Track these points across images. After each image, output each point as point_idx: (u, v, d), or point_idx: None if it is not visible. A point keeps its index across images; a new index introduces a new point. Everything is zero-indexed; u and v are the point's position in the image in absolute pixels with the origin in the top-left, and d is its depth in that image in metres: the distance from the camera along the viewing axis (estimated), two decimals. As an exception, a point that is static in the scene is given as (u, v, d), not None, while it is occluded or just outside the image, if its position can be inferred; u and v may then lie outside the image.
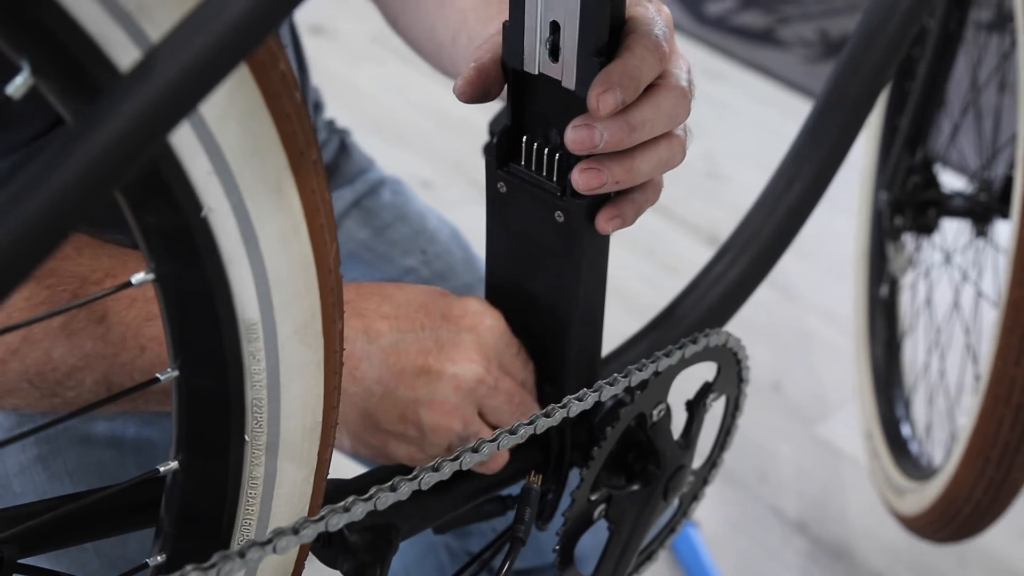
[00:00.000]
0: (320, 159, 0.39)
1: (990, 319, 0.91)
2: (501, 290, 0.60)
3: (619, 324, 1.43)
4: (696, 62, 2.13)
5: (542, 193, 0.53)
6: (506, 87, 0.53)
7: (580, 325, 0.59)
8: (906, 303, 1.21)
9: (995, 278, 1.05)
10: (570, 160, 0.52)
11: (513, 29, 0.51)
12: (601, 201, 0.54)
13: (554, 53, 0.50)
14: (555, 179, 0.53)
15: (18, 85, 0.33)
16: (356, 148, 0.88)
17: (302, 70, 0.83)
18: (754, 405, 1.47)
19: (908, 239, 1.11)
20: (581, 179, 0.50)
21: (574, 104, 0.51)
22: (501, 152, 0.54)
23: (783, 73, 2.13)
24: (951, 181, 1.31)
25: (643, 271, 1.66)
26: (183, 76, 0.31)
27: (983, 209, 1.04)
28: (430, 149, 1.92)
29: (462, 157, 1.87)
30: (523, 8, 0.50)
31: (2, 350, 0.51)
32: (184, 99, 0.32)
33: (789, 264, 1.62)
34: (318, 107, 0.87)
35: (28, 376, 0.51)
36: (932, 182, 1.06)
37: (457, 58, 0.67)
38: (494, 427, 0.58)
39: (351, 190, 0.85)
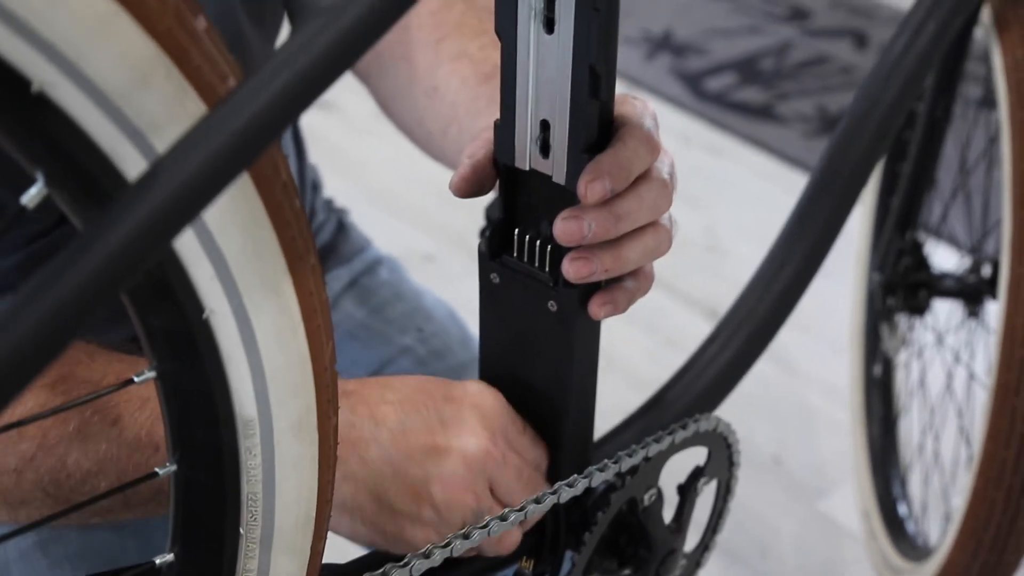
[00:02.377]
0: (318, 262, 0.41)
1: (982, 400, 0.92)
2: (494, 377, 0.61)
3: (619, 398, 1.45)
4: (696, 137, 2.19)
5: (535, 284, 0.55)
6: (498, 181, 0.55)
7: (573, 411, 0.61)
8: (901, 382, 1.22)
9: (988, 358, 1.06)
10: (561, 251, 0.54)
11: (504, 127, 0.53)
12: (592, 290, 0.55)
13: (544, 150, 0.52)
14: (547, 270, 0.55)
15: (32, 195, 0.35)
16: (354, 228, 0.90)
17: (299, 150, 0.85)
18: (755, 480, 1.48)
19: (901, 319, 1.12)
20: (572, 268, 0.52)
21: (565, 198, 0.53)
22: (494, 244, 0.56)
23: (782, 148, 2.16)
24: (946, 255, 1.33)
25: (644, 345, 1.67)
26: (187, 186, 0.33)
27: (973, 290, 1.05)
28: (432, 223, 1.94)
29: (464, 230, 1.90)
30: (514, 107, 0.52)
31: (17, 459, 0.52)
32: (187, 208, 0.33)
33: (789, 338, 1.63)
34: (316, 187, 0.89)
35: (43, 485, 0.52)
36: (923, 263, 1.08)
37: (448, 149, 0.69)
38: (505, 504, 0.58)
39: (348, 269, 0.87)
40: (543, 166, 0.53)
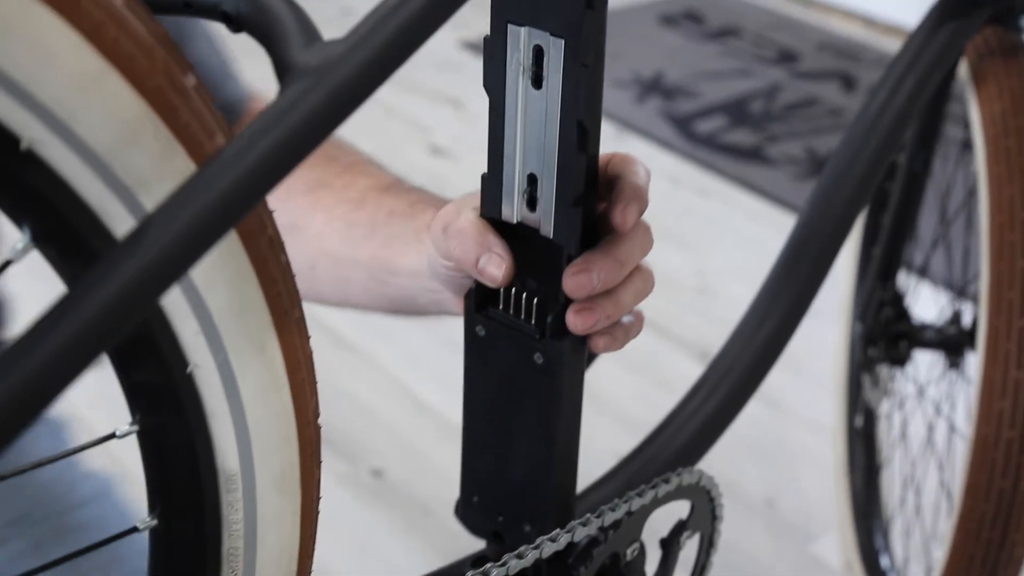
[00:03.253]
0: (303, 316, 0.41)
1: (963, 453, 0.93)
2: (478, 432, 0.62)
3: (611, 440, 1.45)
4: (686, 179, 2.21)
5: (520, 336, 0.56)
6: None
7: (557, 464, 0.61)
8: (883, 433, 1.23)
9: (968, 410, 1.07)
10: (547, 304, 0.55)
11: (492, 180, 0.54)
12: (579, 342, 0.56)
13: (532, 203, 0.53)
14: (533, 322, 0.56)
15: (19, 251, 0.35)
16: None
17: None
18: (746, 522, 1.48)
19: (883, 370, 1.13)
20: (578, 320, 0.53)
21: (552, 251, 0.54)
22: (480, 297, 0.57)
23: (772, 190, 2.18)
24: (929, 298, 1.34)
25: (635, 387, 1.68)
26: (174, 245, 0.33)
27: (954, 341, 1.06)
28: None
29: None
30: (502, 161, 0.53)
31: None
32: (175, 267, 0.34)
33: (779, 378, 1.64)
34: None
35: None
36: (904, 315, 1.09)
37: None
38: None
39: None
40: (530, 219, 0.54)
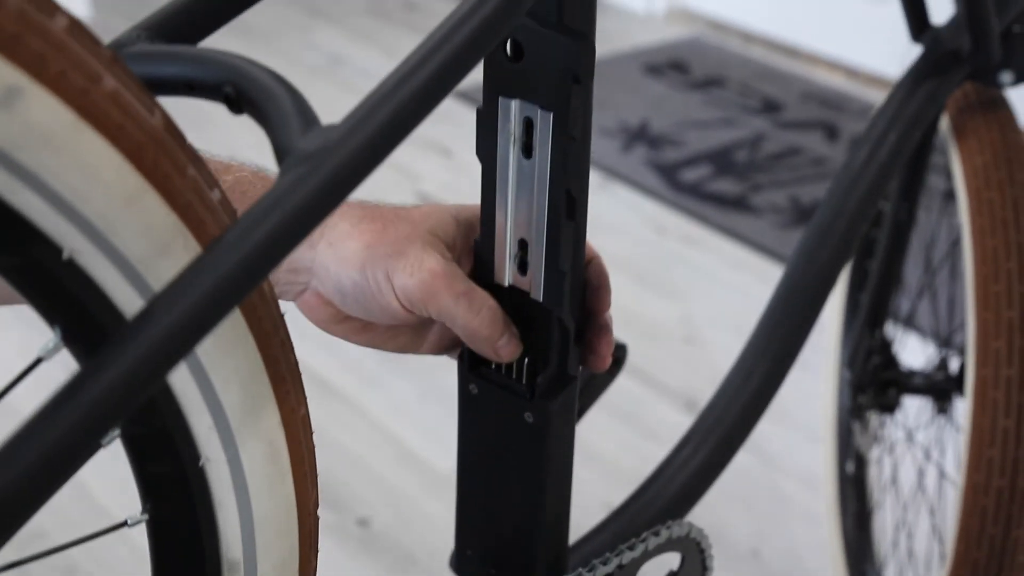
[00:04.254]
0: (308, 412, 0.43)
1: (954, 498, 0.93)
2: (472, 486, 0.63)
3: (599, 491, 1.45)
4: (672, 228, 2.23)
5: (512, 396, 0.57)
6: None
7: (548, 518, 0.62)
8: (874, 478, 1.23)
9: (958, 455, 1.08)
10: (538, 364, 0.56)
11: (484, 244, 0.55)
12: (568, 403, 0.57)
13: (523, 267, 0.55)
14: (524, 382, 0.57)
15: (50, 349, 0.37)
16: None
17: None
18: (735, 572, 1.48)
19: (872, 416, 1.14)
20: (604, 357, 0.59)
21: (542, 314, 0.55)
22: (472, 356, 0.58)
23: (756, 238, 2.20)
24: (916, 345, 1.35)
25: (622, 437, 1.68)
26: (177, 323, 0.34)
27: (942, 387, 1.07)
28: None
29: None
30: (494, 226, 0.54)
31: None
32: (179, 343, 0.34)
33: (766, 428, 1.65)
34: None
35: None
36: (892, 362, 1.10)
37: None
38: None
39: None
40: (521, 283, 0.55)
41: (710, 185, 2.38)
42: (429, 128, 2.64)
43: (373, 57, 2.95)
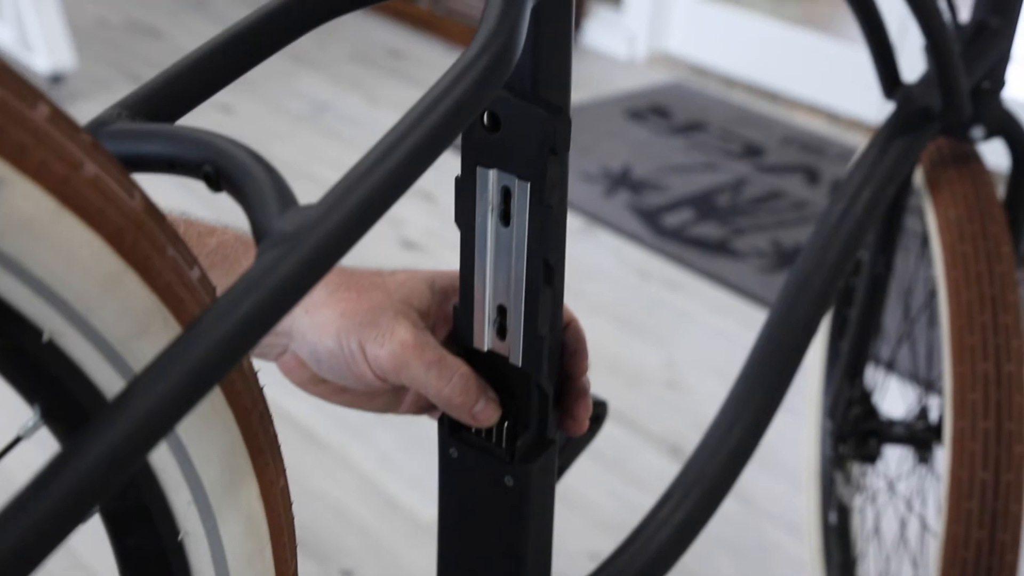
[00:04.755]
0: (287, 484, 0.43)
1: (935, 549, 0.94)
2: (453, 550, 0.63)
3: (583, 539, 1.45)
4: (655, 272, 2.24)
5: (491, 459, 0.58)
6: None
7: None
8: (857, 527, 1.24)
9: (939, 505, 1.08)
10: (516, 429, 0.56)
11: (463, 310, 0.56)
12: (548, 465, 0.58)
13: (501, 333, 0.55)
14: (504, 446, 0.57)
15: (29, 428, 0.38)
16: None
17: None
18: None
19: (854, 466, 1.14)
20: (581, 422, 0.59)
21: (521, 378, 0.56)
22: (452, 420, 0.58)
23: (739, 283, 2.21)
24: (897, 389, 1.36)
25: (606, 484, 1.68)
26: (156, 404, 0.34)
27: (922, 437, 1.08)
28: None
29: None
30: (472, 292, 0.55)
31: None
32: (159, 422, 0.35)
33: (750, 474, 1.64)
34: None
35: None
36: (872, 412, 1.11)
37: None
38: None
39: None
40: (500, 348, 0.56)
41: (692, 229, 2.39)
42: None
43: (358, 104, 2.97)
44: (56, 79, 2.68)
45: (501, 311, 0.55)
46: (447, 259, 2.19)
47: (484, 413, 0.55)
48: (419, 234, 2.31)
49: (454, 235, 0.55)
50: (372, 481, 1.66)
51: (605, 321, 2.06)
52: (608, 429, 1.87)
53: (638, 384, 1.90)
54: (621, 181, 2.59)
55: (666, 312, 2.14)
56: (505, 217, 0.52)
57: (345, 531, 1.57)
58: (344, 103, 2.96)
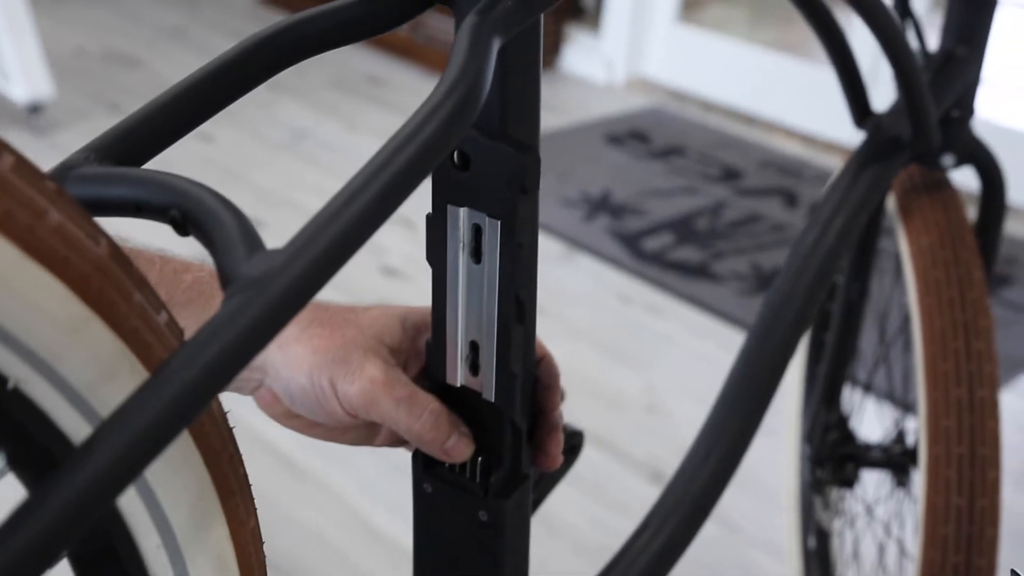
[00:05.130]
0: (257, 525, 0.43)
1: (913, 574, 0.94)
2: None
3: (564, 566, 1.44)
4: (635, 297, 2.25)
5: (465, 494, 0.58)
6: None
7: None
8: (837, 550, 1.24)
9: (917, 530, 1.08)
10: (490, 464, 0.57)
11: (436, 346, 0.56)
12: (522, 500, 0.58)
13: (474, 368, 0.56)
14: (477, 480, 0.57)
15: None
16: None
17: None
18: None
19: (832, 491, 1.15)
20: (554, 458, 0.59)
21: (494, 414, 0.56)
22: (426, 456, 0.58)
23: (719, 306, 2.22)
24: (873, 411, 1.36)
25: (587, 509, 1.68)
26: (122, 450, 0.34)
27: (899, 461, 1.09)
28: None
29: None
30: (444, 328, 0.55)
31: None
32: (125, 469, 0.35)
33: (730, 497, 1.64)
34: None
35: None
36: (849, 437, 1.11)
37: None
38: None
39: None
40: (473, 383, 0.56)
41: (672, 253, 2.40)
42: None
43: (337, 131, 2.98)
44: (34, 109, 2.67)
45: (474, 347, 0.55)
46: (428, 287, 2.19)
47: (456, 449, 0.55)
48: (400, 261, 2.31)
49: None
50: (353, 508, 1.65)
51: (585, 345, 2.06)
52: (588, 454, 1.86)
53: (618, 408, 1.90)
54: (601, 206, 2.60)
55: (646, 336, 2.14)
56: (476, 255, 0.53)
57: (326, 558, 1.56)
58: (323, 130, 2.97)
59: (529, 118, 0.51)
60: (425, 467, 0.58)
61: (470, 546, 0.59)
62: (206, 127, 0.40)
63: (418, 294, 2.01)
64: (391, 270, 2.27)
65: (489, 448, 0.57)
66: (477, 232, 0.52)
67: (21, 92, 2.63)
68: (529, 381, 0.57)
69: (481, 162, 0.51)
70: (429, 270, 0.55)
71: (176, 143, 0.45)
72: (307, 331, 0.55)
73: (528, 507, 0.60)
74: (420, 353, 0.58)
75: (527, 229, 0.51)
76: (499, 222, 0.51)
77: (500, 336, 0.54)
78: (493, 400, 0.56)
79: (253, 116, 2.97)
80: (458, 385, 0.56)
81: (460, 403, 0.57)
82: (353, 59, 3.51)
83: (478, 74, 0.43)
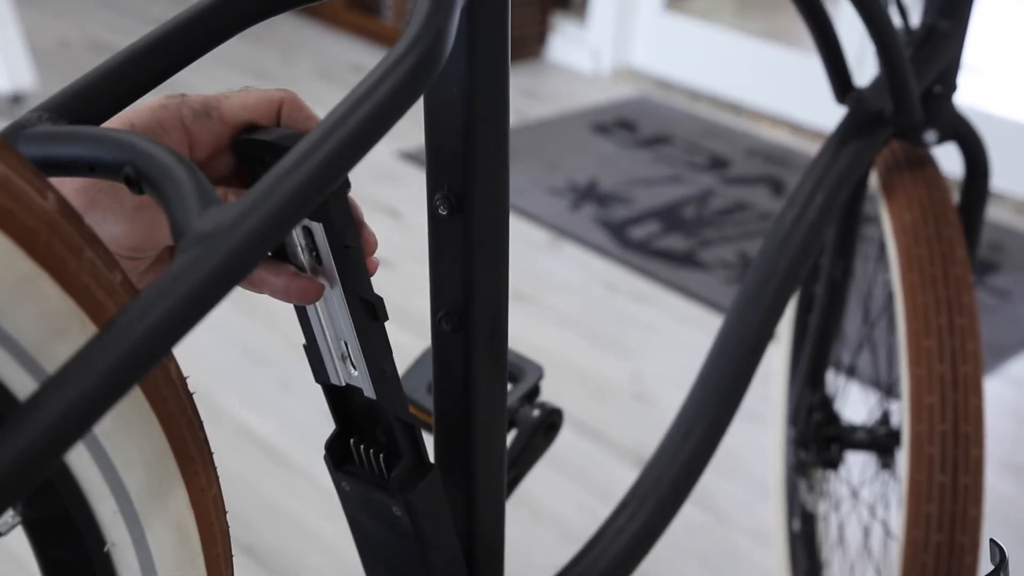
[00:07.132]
0: (220, 493, 0.42)
1: (897, 555, 0.93)
2: (376, 571, 0.63)
3: (550, 552, 1.43)
4: (622, 285, 2.24)
5: (377, 490, 0.58)
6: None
7: None
8: (822, 534, 1.23)
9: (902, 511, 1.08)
10: (393, 459, 0.56)
11: (312, 350, 0.56)
12: (430, 491, 0.57)
13: (354, 364, 0.55)
14: (384, 476, 0.57)
15: None
16: None
17: None
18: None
19: (817, 473, 1.14)
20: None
21: (379, 410, 0.55)
22: (335, 455, 0.58)
23: (705, 294, 2.22)
24: (858, 395, 1.36)
25: (574, 496, 1.67)
26: (70, 404, 0.34)
27: (884, 442, 1.08)
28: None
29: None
30: (313, 333, 0.55)
31: None
32: (72, 424, 0.34)
33: (717, 484, 1.64)
34: None
35: None
36: (833, 418, 1.11)
37: None
38: None
39: None
40: (355, 381, 0.55)
41: (659, 242, 2.40)
42: (378, 190, 2.64)
43: (323, 120, 2.96)
44: (16, 99, 2.65)
45: (347, 346, 0.55)
46: (416, 274, 2.18)
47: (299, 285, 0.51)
48: (386, 250, 2.30)
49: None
50: (336, 498, 1.64)
51: (572, 333, 2.05)
52: (575, 441, 1.86)
53: (605, 396, 1.89)
54: (587, 194, 2.59)
55: (633, 324, 2.14)
56: (317, 258, 0.52)
57: (310, 548, 1.55)
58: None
59: (498, 81, 0.50)
60: (337, 465, 0.58)
61: (393, 541, 0.59)
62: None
63: (405, 284, 2.00)
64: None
65: (386, 444, 0.57)
66: (310, 236, 0.51)
67: (3, 82, 2.61)
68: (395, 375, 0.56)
69: None
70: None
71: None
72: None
73: (440, 497, 0.59)
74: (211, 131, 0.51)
75: (350, 231, 0.50)
76: (320, 225, 0.50)
77: (361, 335, 0.53)
78: (375, 397, 0.55)
79: (238, 107, 2.95)
80: (342, 385, 0.56)
81: (350, 402, 0.57)
82: (337, 48, 3.49)
83: (439, 31, 0.42)
